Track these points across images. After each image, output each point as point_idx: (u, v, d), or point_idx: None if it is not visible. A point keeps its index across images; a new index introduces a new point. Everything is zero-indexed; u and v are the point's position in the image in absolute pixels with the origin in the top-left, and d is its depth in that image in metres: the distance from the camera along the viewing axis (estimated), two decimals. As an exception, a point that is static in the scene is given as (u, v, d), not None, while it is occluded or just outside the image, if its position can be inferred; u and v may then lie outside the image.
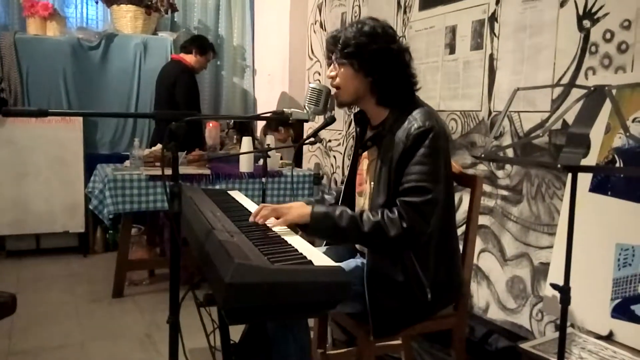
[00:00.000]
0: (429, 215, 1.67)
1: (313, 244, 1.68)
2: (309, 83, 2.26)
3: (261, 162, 2.91)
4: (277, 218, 1.78)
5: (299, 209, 1.77)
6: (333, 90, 1.86)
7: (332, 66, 1.83)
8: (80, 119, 4.34)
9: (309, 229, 1.74)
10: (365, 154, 1.94)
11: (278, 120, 4.02)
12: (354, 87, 1.80)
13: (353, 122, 2.03)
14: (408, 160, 1.68)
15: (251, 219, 1.81)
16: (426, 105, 1.80)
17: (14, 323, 2.94)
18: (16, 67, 4.30)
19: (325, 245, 2.12)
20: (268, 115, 2.03)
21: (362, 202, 1.94)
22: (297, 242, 1.65)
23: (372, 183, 1.82)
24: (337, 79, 1.81)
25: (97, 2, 4.80)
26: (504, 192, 2.61)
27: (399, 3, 3.41)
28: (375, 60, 1.74)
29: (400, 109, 1.78)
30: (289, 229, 1.79)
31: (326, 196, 2.16)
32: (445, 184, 1.73)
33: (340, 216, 1.70)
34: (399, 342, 2.29)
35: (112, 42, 4.63)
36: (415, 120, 1.70)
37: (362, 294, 1.74)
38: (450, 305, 1.93)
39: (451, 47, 2.96)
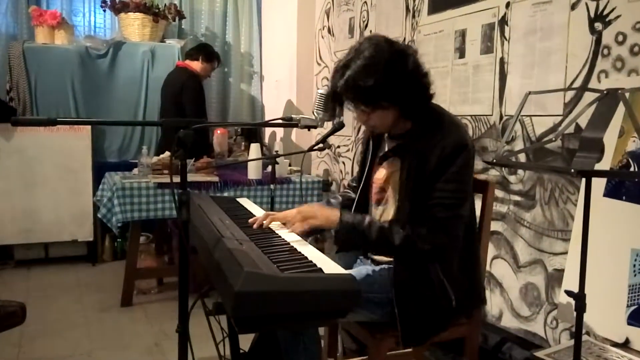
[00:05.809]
0: (456, 231, 1.68)
1: (322, 250, 1.66)
2: (317, 89, 2.24)
3: (269, 168, 2.90)
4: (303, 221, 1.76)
5: (327, 212, 1.74)
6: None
7: (359, 113, 1.75)
8: (89, 127, 4.35)
9: (337, 237, 1.71)
10: (383, 163, 1.89)
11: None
12: (389, 120, 1.75)
13: (370, 134, 1.97)
14: (441, 174, 1.66)
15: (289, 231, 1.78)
16: (452, 116, 1.78)
17: (23, 332, 2.93)
18: (25, 76, 4.32)
19: (336, 252, 2.09)
20: (276, 121, 2.02)
21: (382, 211, 1.89)
22: (307, 249, 1.62)
23: (397, 195, 1.78)
24: (371, 121, 1.75)
25: (104, 11, 4.82)
26: (517, 198, 2.57)
27: (407, 7, 3.40)
28: (401, 90, 1.67)
29: (424, 118, 1.74)
30: (299, 237, 1.77)
31: (331, 200, 2.13)
32: (470, 198, 1.76)
33: (369, 227, 1.69)
34: (409, 349, 2.26)
35: (120, 50, 4.65)
36: (450, 135, 1.68)
37: (374, 301, 1.72)
38: (474, 311, 1.92)
39: (461, 51, 2.94)
